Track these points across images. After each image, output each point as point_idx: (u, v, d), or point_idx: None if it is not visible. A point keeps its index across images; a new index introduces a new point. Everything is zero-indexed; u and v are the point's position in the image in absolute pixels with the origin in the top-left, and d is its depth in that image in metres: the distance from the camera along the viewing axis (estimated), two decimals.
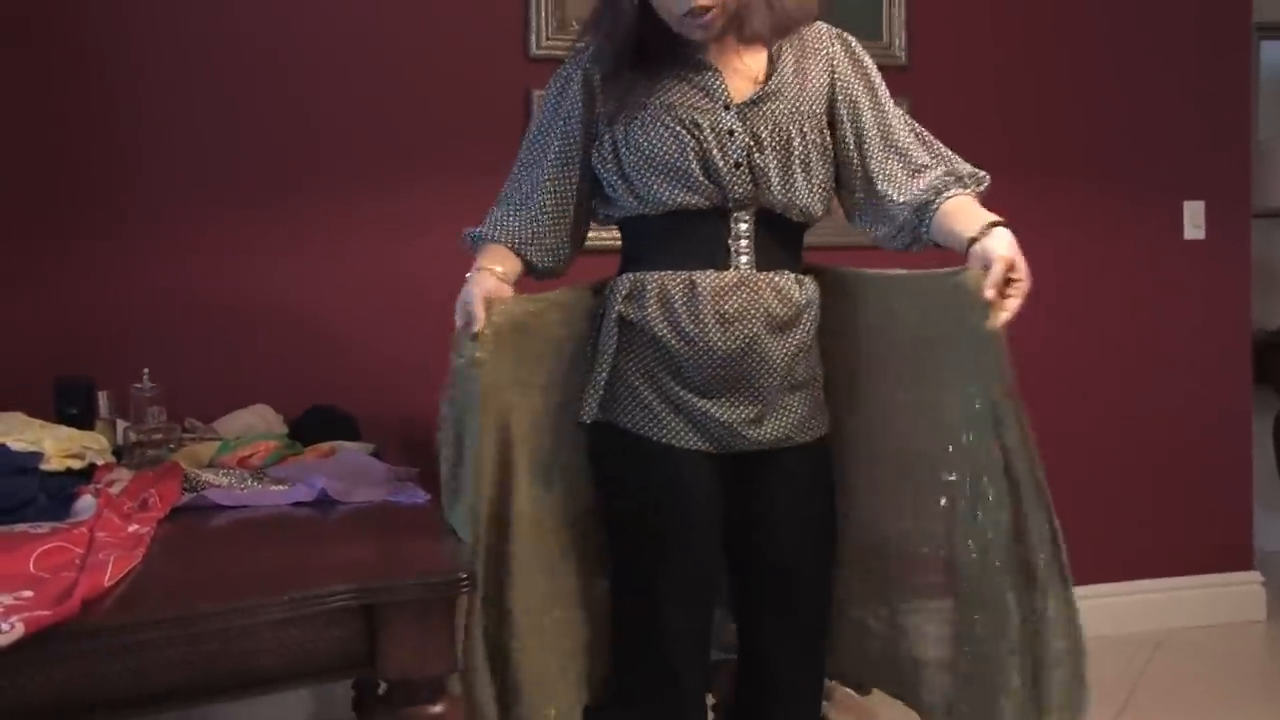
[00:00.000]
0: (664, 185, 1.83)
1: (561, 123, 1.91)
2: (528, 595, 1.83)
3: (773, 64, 1.89)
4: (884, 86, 1.96)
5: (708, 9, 1.78)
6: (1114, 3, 3.65)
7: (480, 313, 1.80)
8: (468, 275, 1.88)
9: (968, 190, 1.91)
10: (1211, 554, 3.76)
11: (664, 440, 1.83)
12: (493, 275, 1.85)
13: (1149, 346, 3.71)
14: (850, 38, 1.97)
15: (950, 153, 1.98)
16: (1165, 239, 3.72)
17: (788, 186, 1.85)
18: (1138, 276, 3.70)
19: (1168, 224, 3.73)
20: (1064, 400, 3.64)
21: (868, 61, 1.96)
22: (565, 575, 1.91)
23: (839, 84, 1.92)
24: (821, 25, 1.96)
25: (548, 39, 3.16)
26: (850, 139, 1.92)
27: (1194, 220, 3.73)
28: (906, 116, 1.97)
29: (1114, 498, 3.69)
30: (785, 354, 1.84)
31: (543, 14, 3.17)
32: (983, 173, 1.97)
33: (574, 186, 1.92)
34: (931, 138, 1.97)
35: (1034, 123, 3.60)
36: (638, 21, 1.83)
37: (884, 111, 1.94)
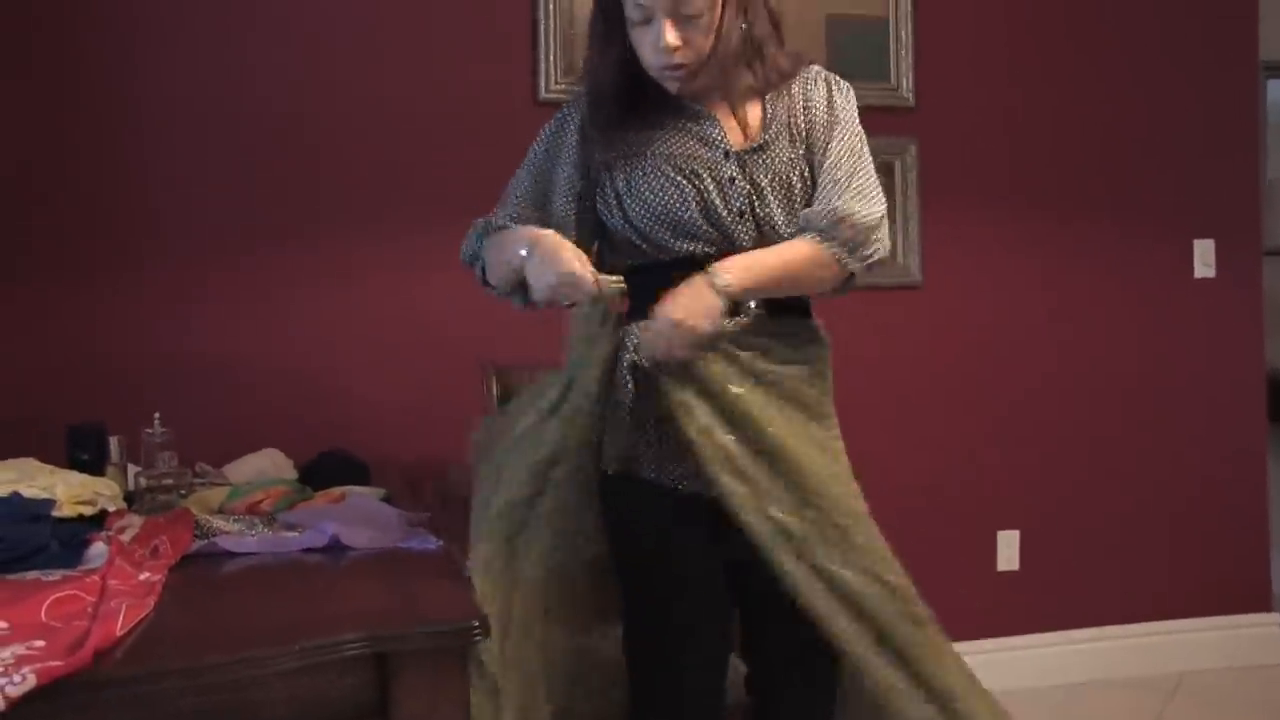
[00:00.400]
0: (669, 234, 1.83)
1: (564, 157, 1.91)
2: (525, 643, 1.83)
3: (768, 112, 1.89)
4: (853, 125, 1.90)
5: (680, 66, 1.79)
6: (1120, 42, 3.66)
7: (585, 270, 1.72)
8: (521, 251, 1.77)
9: (816, 240, 1.82)
10: (1228, 596, 3.73)
11: (675, 485, 1.82)
12: (557, 237, 1.76)
13: (1161, 386, 3.70)
14: (837, 80, 1.95)
15: (864, 204, 1.83)
16: (1176, 277, 3.72)
17: (794, 230, 1.84)
18: (1148, 315, 3.69)
19: (1178, 262, 3.73)
20: (1075, 440, 3.63)
21: (841, 101, 1.91)
22: (559, 625, 1.90)
23: (815, 123, 1.89)
24: (814, 68, 1.95)
25: (556, 83, 3.19)
26: (809, 176, 1.89)
27: (1204, 259, 3.73)
28: (859, 158, 1.88)
29: (1129, 539, 3.66)
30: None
31: (551, 58, 3.20)
32: (853, 234, 1.82)
33: (574, 217, 1.92)
34: (864, 182, 1.86)
35: (1041, 162, 3.61)
36: (626, 72, 1.84)
37: (840, 150, 1.87)
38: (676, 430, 1.77)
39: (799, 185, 1.86)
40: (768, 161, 1.85)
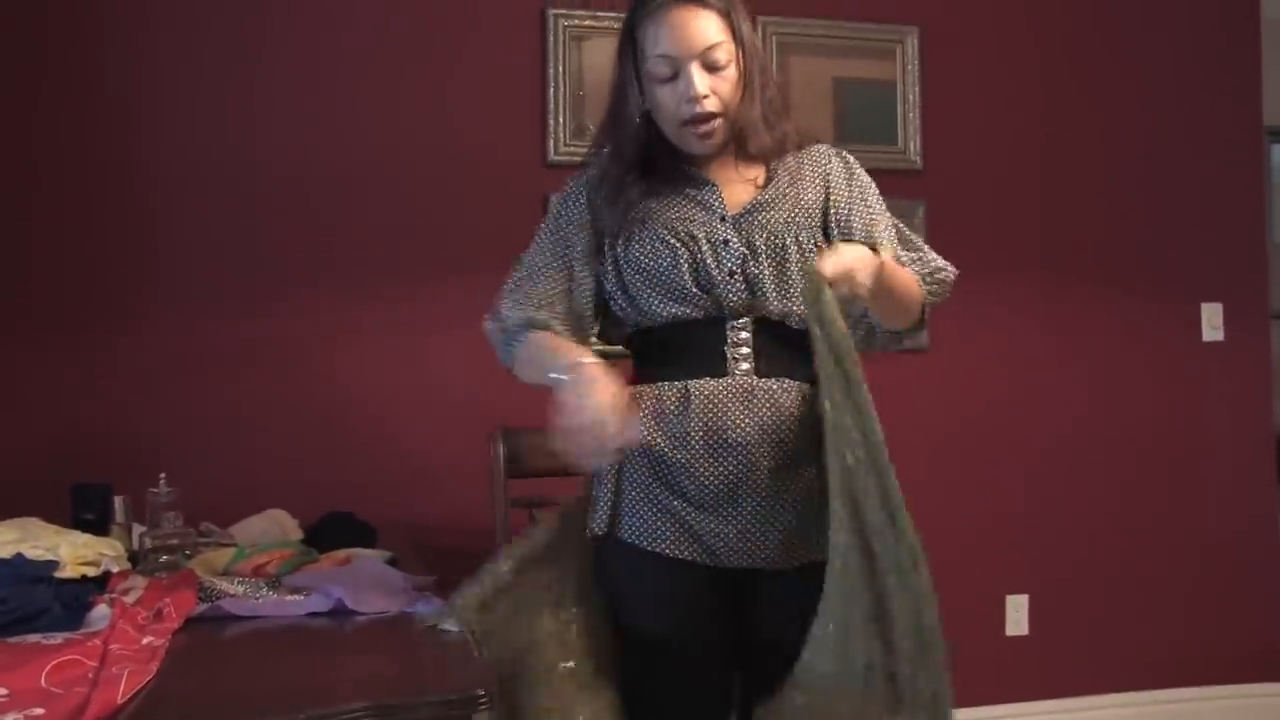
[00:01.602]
0: (658, 298, 1.83)
1: (577, 223, 1.91)
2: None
3: (769, 177, 1.90)
4: (877, 197, 1.95)
5: (711, 115, 1.81)
6: (1127, 107, 3.69)
7: (618, 426, 1.64)
8: (556, 375, 1.71)
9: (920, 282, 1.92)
10: (1240, 663, 3.69)
11: (662, 552, 1.79)
12: (600, 368, 1.70)
13: (1171, 450, 3.68)
14: (849, 155, 1.98)
15: (930, 255, 1.97)
16: (1184, 341, 3.72)
17: (783, 294, 1.83)
18: (1157, 378, 3.69)
19: (1186, 326, 3.73)
20: (1084, 504, 3.61)
21: (861, 174, 1.96)
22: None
23: (833, 194, 1.91)
24: (823, 145, 1.97)
25: (565, 145, 3.21)
26: (806, 241, 1.89)
27: (1212, 322, 3.74)
28: (897, 225, 1.96)
29: (1139, 604, 3.63)
30: (777, 467, 1.79)
31: (560, 120, 3.23)
32: (942, 270, 1.96)
33: (592, 287, 1.91)
34: (918, 242, 1.98)
35: (1049, 225, 3.63)
36: (644, 139, 1.86)
37: (873, 219, 1.92)
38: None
39: (794, 249, 1.84)
40: (763, 222, 1.85)
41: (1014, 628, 3.56)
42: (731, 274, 1.82)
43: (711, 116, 1.81)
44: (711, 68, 1.80)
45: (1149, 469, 3.67)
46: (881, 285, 1.75)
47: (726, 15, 1.82)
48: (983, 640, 3.53)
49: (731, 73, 1.82)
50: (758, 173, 1.91)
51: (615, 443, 1.64)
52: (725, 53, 1.80)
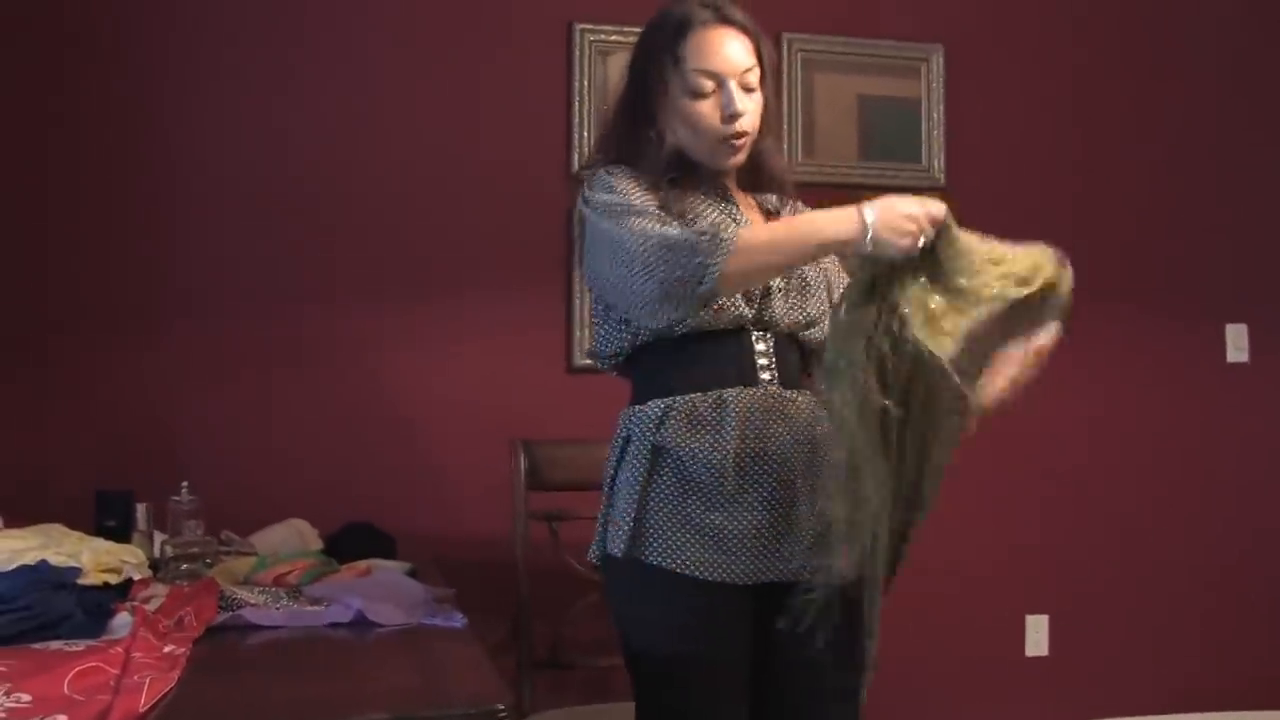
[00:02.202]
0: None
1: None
2: None
3: (780, 205, 1.98)
4: None
5: (746, 134, 1.85)
6: (1151, 125, 3.68)
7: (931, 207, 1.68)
8: (864, 213, 1.66)
9: None
10: (1264, 686, 3.65)
11: (693, 574, 1.77)
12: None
13: (1194, 471, 3.66)
14: None
15: None
16: (1208, 363, 3.70)
17: (800, 311, 1.87)
18: (1181, 400, 3.66)
19: (1210, 348, 3.71)
20: (1105, 525, 3.59)
21: None
22: None
23: None
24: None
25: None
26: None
27: (1237, 343, 3.71)
28: None
29: (1160, 626, 3.61)
30: (808, 477, 1.79)
31: (585, 133, 3.25)
32: None
33: None
34: None
35: (1072, 244, 3.58)
36: (663, 148, 1.87)
37: None
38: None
39: (811, 268, 1.90)
40: None
41: (1034, 648, 3.54)
42: (780, 290, 1.85)
43: (746, 134, 1.86)
44: (746, 89, 1.84)
45: (1171, 491, 3.64)
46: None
47: (757, 43, 1.87)
48: (1002, 660, 3.50)
49: (758, 97, 1.87)
50: (763, 201, 1.97)
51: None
52: (755, 77, 1.86)
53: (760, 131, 1.89)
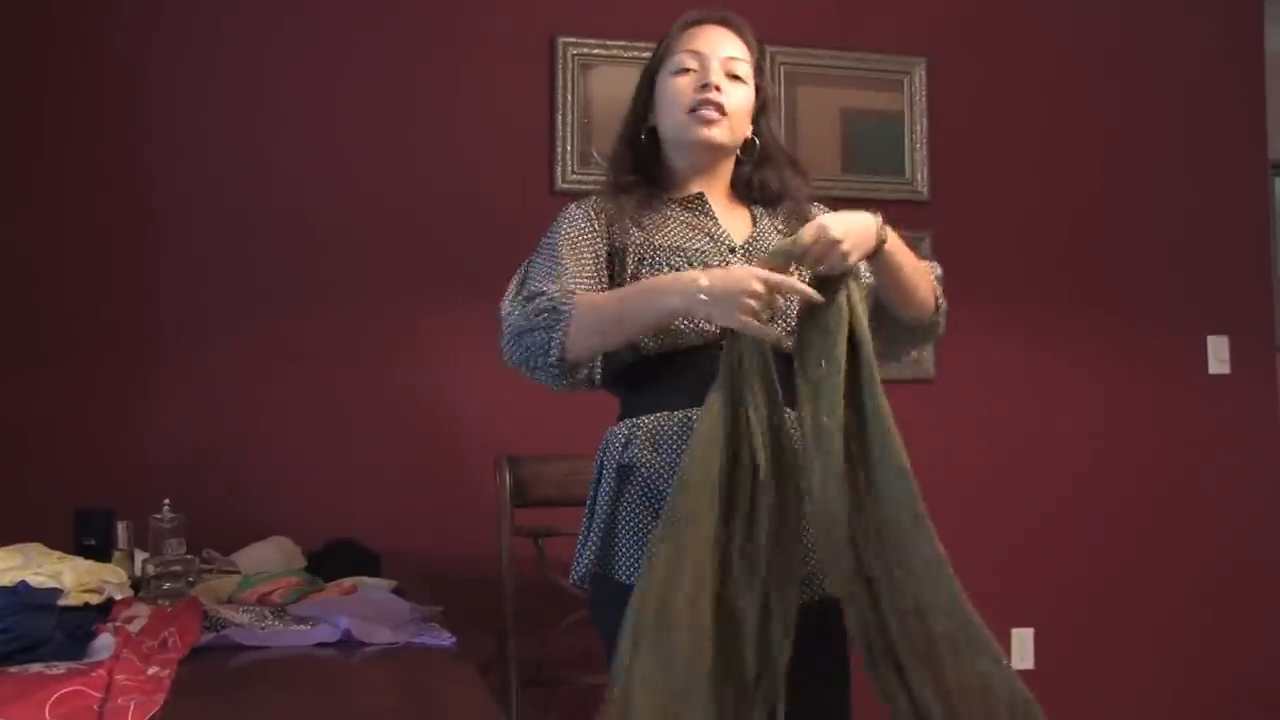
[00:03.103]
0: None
1: (589, 243, 1.88)
2: None
3: (755, 215, 1.96)
4: None
5: (720, 108, 1.84)
6: (1134, 140, 3.70)
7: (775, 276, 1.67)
8: (697, 285, 1.67)
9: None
10: (1248, 699, 3.66)
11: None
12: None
13: (1176, 483, 3.67)
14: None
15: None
16: (1189, 374, 3.72)
17: (782, 323, 1.83)
18: (1162, 412, 3.67)
19: (1191, 359, 3.72)
20: (1089, 536, 3.59)
21: None
22: None
23: None
24: (816, 205, 2.01)
25: (572, 173, 3.21)
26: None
27: (1218, 355, 3.73)
28: None
29: (1146, 638, 3.61)
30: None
31: (568, 148, 3.23)
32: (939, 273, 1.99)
33: None
34: None
35: (1054, 257, 3.62)
36: (649, 154, 1.92)
37: None
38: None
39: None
40: (759, 252, 1.87)
41: (1020, 661, 3.53)
42: None
43: (720, 109, 1.85)
44: (730, 75, 1.87)
45: (1155, 502, 3.65)
46: (890, 257, 1.77)
47: (751, 50, 1.92)
48: None
49: (745, 93, 1.89)
50: (747, 211, 1.97)
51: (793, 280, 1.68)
52: (744, 73, 1.89)
53: (751, 139, 1.92)
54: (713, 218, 1.90)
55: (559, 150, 3.24)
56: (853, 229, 1.71)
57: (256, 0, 3.09)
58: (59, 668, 1.65)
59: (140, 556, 2.33)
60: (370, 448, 3.05)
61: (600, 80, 3.26)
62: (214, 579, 2.26)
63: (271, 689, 1.67)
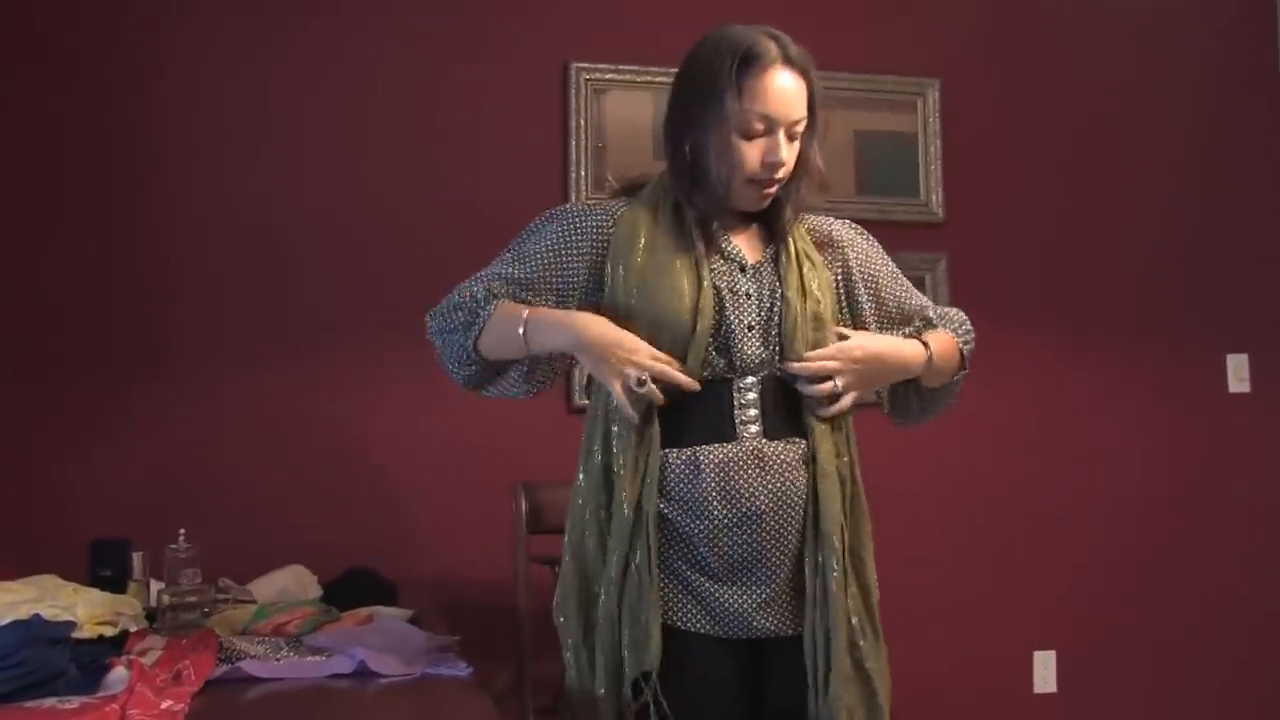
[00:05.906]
0: (667, 344, 1.77)
1: (579, 257, 1.85)
2: None
3: (780, 236, 1.91)
4: (892, 265, 2.02)
5: (779, 183, 1.83)
6: (1152, 159, 3.68)
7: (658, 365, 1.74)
8: (567, 334, 1.77)
9: (945, 330, 1.98)
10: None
11: (672, 624, 1.75)
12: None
13: (1199, 503, 3.64)
14: (858, 225, 2.04)
15: (935, 305, 2.04)
16: (1210, 393, 3.69)
17: (789, 349, 1.81)
18: (1183, 431, 3.65)
19: (1212, 378, 3.69)
20: (1112, 558, 3.56)
21: (874, 241, 2.02)
22: None
23: (855, 261, 1.95)
24: (830, 217, 2.00)
25: (586, 197, 3.21)
26: (868, 310, 1.94)
27: (1238, 374, 3.70)
28: (898, 275, 2.02)
29: (1169, 661, 3.57)
30: (790, 532, 1.77)
31: (582, 172, 3.23)
32: (965, 321, 2.04)
33: None
34: (923, 297, 2.05)
35: (1071, 277, 3.60)
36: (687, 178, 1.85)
37: (898, 284, 1.99)
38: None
39: (805, 304, 1.83)
40: (781, 276, 1.84)
41: (1041, 684, 3.49)
42: (749, 328, 1.80)
43: (777, 184, 1.83)
44: (790, 138, 1.81)
45: (1176, 522, 3.61)
46: (933, 369, 1.89)
47: (811, 89, 1.83)
48: (1010, 697, 3.46)
49: (798, 146, 1.84)
50: (760, 233, 1.91)
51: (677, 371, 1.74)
52: (801, 128, 1.83)
53: (794, 177, 1.85)
54: (725, 238, 1.87)
55: (573, 175, 3.24)
56: (879, 373, 1.87)
57: (275, 31, 3.10)
58: (72, 702, 1.64)
59: (156, 586, 2.32)
60: (387, 476, 3.04)
61: (614, 105, 3.26)
62: (229, 609, 2.25)
63: None
